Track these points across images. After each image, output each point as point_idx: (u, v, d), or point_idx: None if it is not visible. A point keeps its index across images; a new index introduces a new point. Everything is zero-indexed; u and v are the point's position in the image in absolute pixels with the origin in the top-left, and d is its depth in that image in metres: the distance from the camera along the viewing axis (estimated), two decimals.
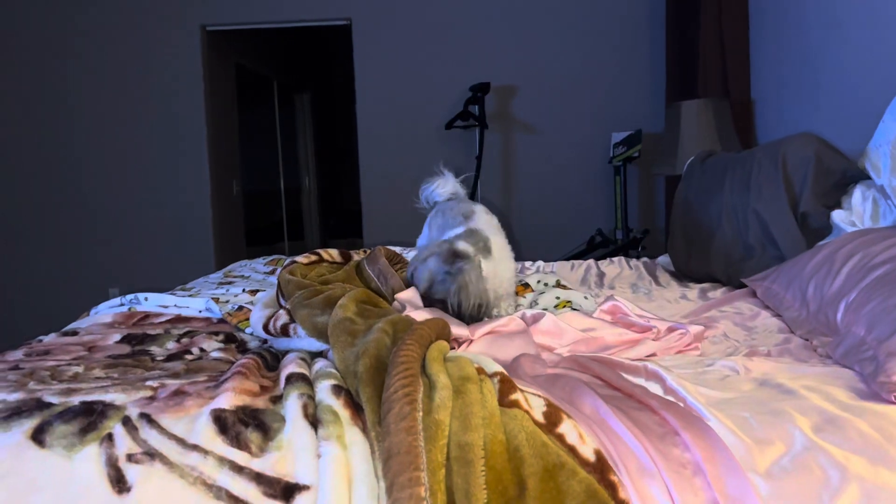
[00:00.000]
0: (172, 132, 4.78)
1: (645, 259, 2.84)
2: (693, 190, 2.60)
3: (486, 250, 1.64)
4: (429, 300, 1.55)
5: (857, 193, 2.03)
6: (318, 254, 1.70)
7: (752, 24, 3.58)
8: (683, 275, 2.52)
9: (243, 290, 2.02)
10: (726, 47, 3.65)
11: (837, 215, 2.04)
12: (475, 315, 1.54)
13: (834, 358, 1.36)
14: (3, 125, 4.77)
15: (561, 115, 4.65)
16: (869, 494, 0.92)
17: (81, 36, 4.71)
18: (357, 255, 1.77)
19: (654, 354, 1.45)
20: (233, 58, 5.54)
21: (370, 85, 4.70)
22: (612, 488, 0.94)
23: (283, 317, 1.41)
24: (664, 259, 2.82)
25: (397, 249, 2.00)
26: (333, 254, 1.74)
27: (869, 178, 2.06)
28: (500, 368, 1.15)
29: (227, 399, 1.06)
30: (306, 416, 1.04)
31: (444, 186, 2.07)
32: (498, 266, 1.67)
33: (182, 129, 4.78)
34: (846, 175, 2.11)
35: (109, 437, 0.98)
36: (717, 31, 3.70)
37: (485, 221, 1.80)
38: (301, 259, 1.67)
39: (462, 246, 1.58)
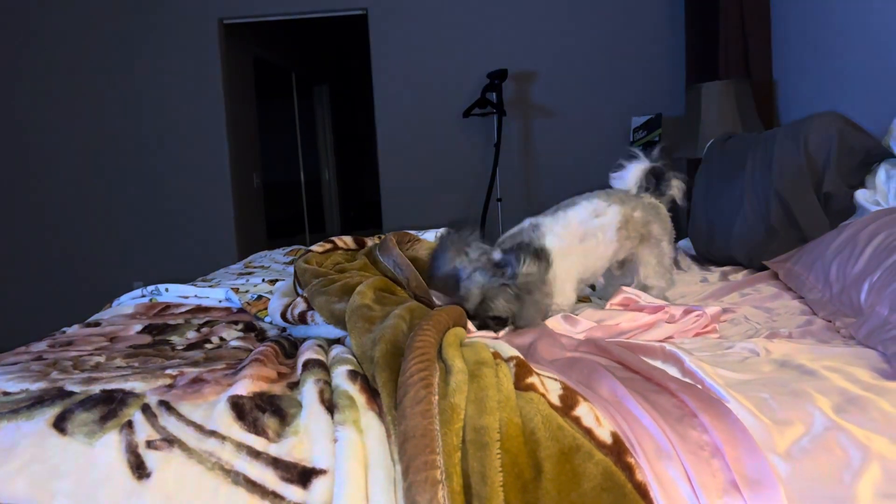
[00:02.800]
0: (192, 126, 4.81)
1: None
2: (714, 172, 2.56)
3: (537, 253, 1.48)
4: (480, 318, 1.41)
5: (882, 172, 1.99)
6: (332, 241, 1.71)
7: (774, 3, 3.52)
8: (705, 258, 2.49)
9: (263, 280, 2.03)
10: (747, 27, 3.59)
11: (861, 195, 2.01)
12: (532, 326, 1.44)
13: (857, 339, 1.34)
14: (26, 121, 4.83)
15: (579, 100, 4.61)
16: (891, 474, 0.91)
17: (100, 31, 4.75)
18: (370, 242, 1.77)
19: (671, 337, 1.44)
20: (251, 50, 5.56)
21: (387, 74, 4.70)
22: (628, 470, 0.93)
23: (300, 305, 1.42)
24: (685, 243, 2.80)
25: (412, 232, 1.97)
26: (347, 241, 1.75)
27: (893, 156, 2.02)
28: (515, 353, 1.15)
29: (245, 386, 1.07)
30: (322, 401, 1.04)
31: (619, 177, 1.80)
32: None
33: (202, 122, 4.81)
34: (870, 154, 2.07)
35: (129, 424, 1.00)
36: (738, 11, 3.63)
37: (569, 219, 1.60)
38: (316, 248, 1.68)
39: (497, 255, 1.45)
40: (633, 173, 1.77)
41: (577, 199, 1.67)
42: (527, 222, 1.60)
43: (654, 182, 1.80)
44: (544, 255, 1.46)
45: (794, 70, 3.32)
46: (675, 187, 1.82)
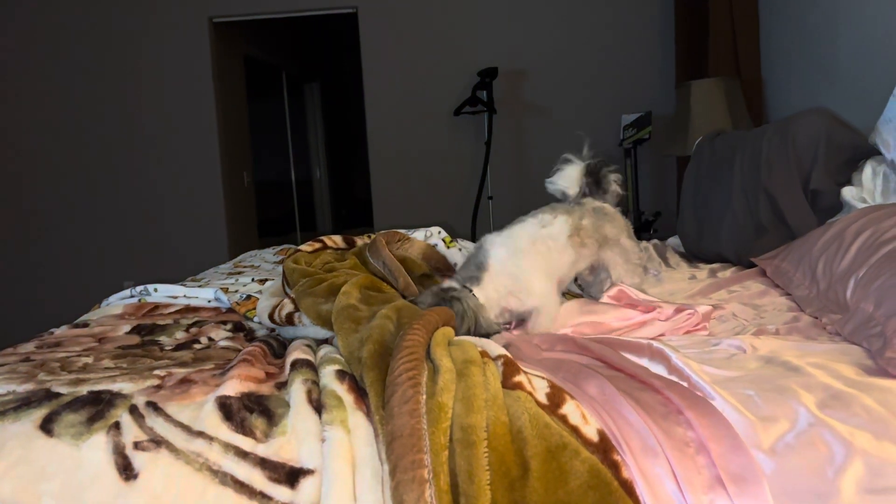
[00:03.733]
0: (183, 125, 4.80)
1: (655, 241, 2.83)
2: (703, 169, 2.57)
3: (480, 270, 1.47)
4: None
5: (868, 169, 2.00)
6: (321, 241, 1.71)
7: (762, 2, 3.54)
8: (693, 255, 2.50)
9: (252, 280, 2.03)
10: (736, 26, 3.60)
11: (848, 192, 2.02)
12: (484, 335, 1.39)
13: (843, 335, 1.35)
14: (15, 120, 4.81)
15: (570, 98, 4.62)
16: (874, 469, 0.92)
17: (89, 30, 4.72)
18: (360, 241, 1.77)
19: (662, 335, 1.45)
20: (241, 49, 5.54)
21: (378, 72, 4.69)
22: (615, 468, 0.94)
23: (287, 306, 1.42)
24: (674, 240, 2.81)
25: (401, 231, 1.96)
26: (337, 240, 1.75)
27: (880, 153, 2.03)
28: (503, 351, 1.15)
29: (233, 386, 1.07)
30: (310, 401, 1.04)
31: (557, 182, 1.80)
32: (494, 280, 1.47)
33: (192, 121, 4.80)
34: (857, 151, 2.08)
35: (116, 425, 1.00)
36: (727, 10, 3.65)
37: (515, 231, 1.58)
38: (305, 247, 1.68)
39: (447, 283, 1.47)
40: (568, 175, 1.77)
41: (524, 217, 1.65)
42: (478, 242, 1.59)
43: (593, 184, 1.79)
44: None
45: (782, 68, 3.33)
46: (613, 181, 1.80)
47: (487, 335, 1.37)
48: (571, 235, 1.60)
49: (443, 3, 4.62)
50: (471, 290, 1.44)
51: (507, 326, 1.55)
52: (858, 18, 2.57)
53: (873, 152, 2.05)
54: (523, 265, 1.51)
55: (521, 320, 1.54)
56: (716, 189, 2.42)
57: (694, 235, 2.48)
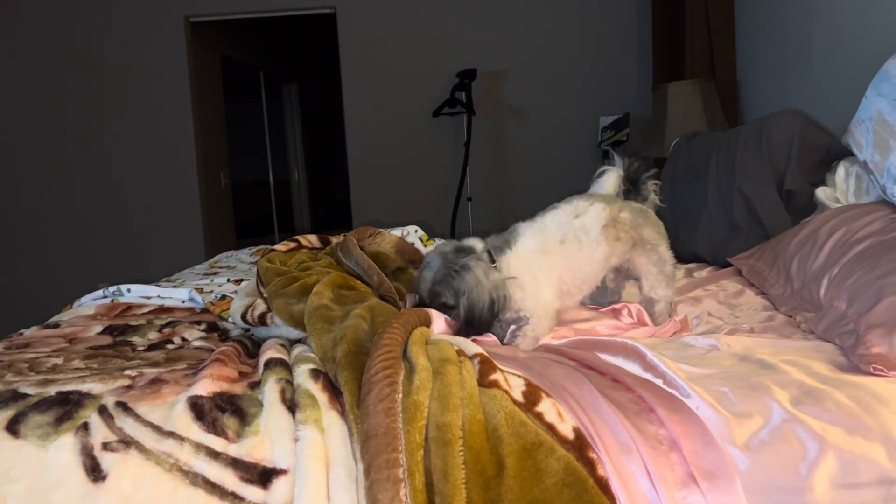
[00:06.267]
0: (158, 125, 4.74)
1: None
2: (679, 170, 2.59)
3: (506, 245, 1.42)
4: (432, 304, 1.35)
5: (841, 170, 2.02)
6: (296, 240, 1.69)
7: (738, 5, 3.57)
8: None
9: (228, 280, 2.01)
10: (712, 29, 3.63)
11: (821, 192, 2.04)
12: (486, 317, 1.35)
13: (816, 333, 1.36)
14: None
15: (548, 99, 4.63)
16: (846, 464, 0.93)
17: (64, 30, 4.66)
18: (335, 240, 1.76)
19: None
20: (218, 49, 5.49)
21: (356, 73, 4.67)
22: (590, 465, 0.94)
23: (260, 306, 1.41)
24: None
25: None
26: (312, 239, 1.73)
27: (852, 154, 2.05)
28: (480, 350, 1.15)
29: (204, 386, 1.05)
30: (284, 400, 1.03)
31: (600, 184, 1.68)
32: (515, 261, 1.40)
33: (168, 122, 4.74)
34: (830, 152, 2.10)
35: (85, 426, 0.98)
36: (703, 13, 3.68)
37: (546, 222, 1.49)
38: (280, 247, 1.66)
39: (469, 242, 1.39)
40: (606, 184, 1.66)
41: (558, 204, 1.54)
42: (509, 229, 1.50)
43: (632, 191, 1.68)
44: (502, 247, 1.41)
45: (757, 70, 3.36)
46: (651, 189, 1.71)
47: (480, 319, 1.33)
48: (606, 226, 1.49)
49: (421, 4, 4.62)
50: (494, 260, 1.38)
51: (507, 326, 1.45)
52: (831, 21, 2.60)
53: (846, 153, 2.07)
54: (544, 267, 1.42)
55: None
56: (692, 190, 2.44)
57: (670, 235, 2.48)
